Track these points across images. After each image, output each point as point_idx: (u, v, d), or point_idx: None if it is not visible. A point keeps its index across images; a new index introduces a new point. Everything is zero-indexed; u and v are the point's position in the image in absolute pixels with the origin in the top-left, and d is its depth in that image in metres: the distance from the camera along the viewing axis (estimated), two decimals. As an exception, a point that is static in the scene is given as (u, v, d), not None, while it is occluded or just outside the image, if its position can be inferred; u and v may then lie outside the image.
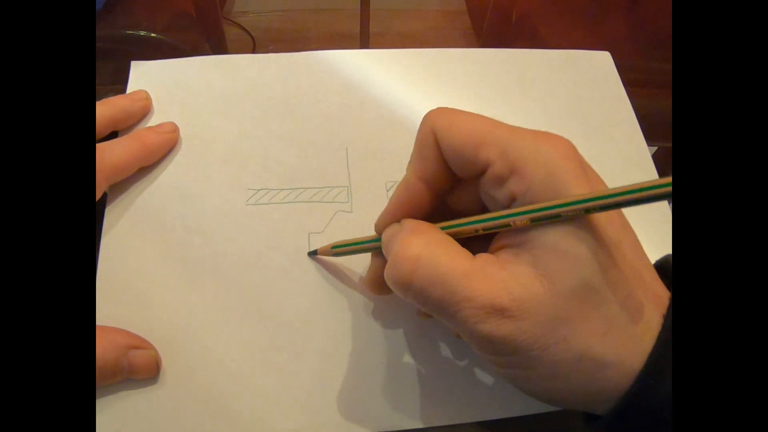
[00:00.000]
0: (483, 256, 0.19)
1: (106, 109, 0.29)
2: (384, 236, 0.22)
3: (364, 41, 0.55)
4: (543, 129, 0.20)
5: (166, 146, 0.30)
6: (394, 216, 0.22)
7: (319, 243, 0.28)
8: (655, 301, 0.19)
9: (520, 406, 0.25)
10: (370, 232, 0.29)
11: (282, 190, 0.30)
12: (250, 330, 0.26)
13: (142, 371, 0.24)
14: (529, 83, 0.35)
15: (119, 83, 0.33)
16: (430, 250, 0.19)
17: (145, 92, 0.32)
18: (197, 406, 0.24)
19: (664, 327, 0.19)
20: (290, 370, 0.25)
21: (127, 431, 0.23)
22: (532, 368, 0.19)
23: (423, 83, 0.34)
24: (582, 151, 0.24)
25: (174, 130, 0.30)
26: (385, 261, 0.21)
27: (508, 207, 0.20)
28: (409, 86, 0.34)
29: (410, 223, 0.21)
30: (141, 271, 0.27)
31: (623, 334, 0.18)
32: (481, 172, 0.20)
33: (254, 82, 0.33)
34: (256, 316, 0.26)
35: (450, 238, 0.20)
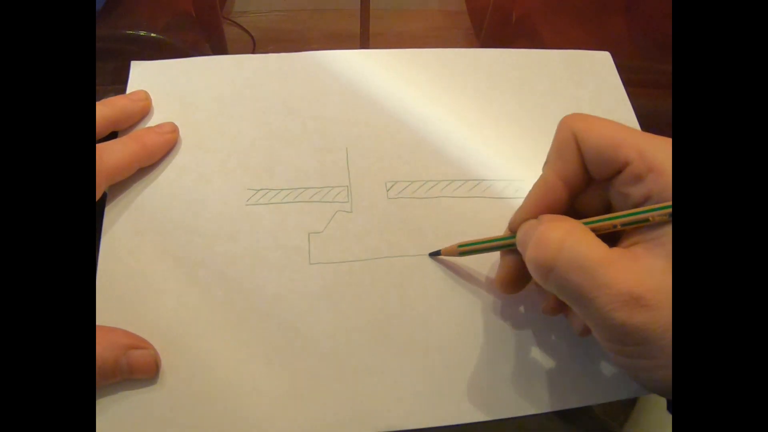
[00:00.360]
0: (617, 250, 0.20)
1: (105, 110, 0.29)
2: (521, 230, 0.23)
3: (364, 41, 0.56)
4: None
5: (166, 147, 0.30)
6: (531, 213, 0.23)
7: (319, 243, 0.28)
8: None
9: (527, 405, 0.25)
10: (371, 232, 0.29)
11: (282, 190, 0.30)
12: (250, 330, 0.26)
13: (142, 371, 0.24)
14: (529, 83, 0.35)
15: (119, 83, 0.33)
16: (573, 237, 0.20)
17: (145, 92, 0.32)
18: (197, 407, 0.24)
19: None
20: (290, 370, 0.25)
21: (127, 431, 0.23)
22: (657, 358, 0.19)
23: (423, 83, 0.34)
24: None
25: (174, 130, 0.30)
26: (516, 259, 0.23)
27: (642, 205, 0.21)
28: (409, 86, 0.34)
29: (550, 216, 0.23)
30: (140, 272, 0.27)
31: None
32: (618, 171, 0.22)
33: (254, 82, 0.33)
34: (256, 316, 0.26)
35: (588, 230, 0.21)
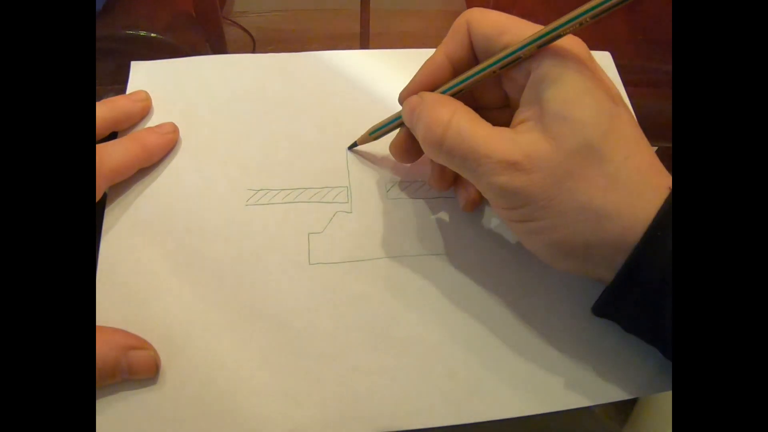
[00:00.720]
0: (501, 128, 0.23)
1: (105, 110, 0.29)
2: (406, 105, 0.26)
3: (364, 41, 0.55)
4: None
5: (166, 147, 0.30)
6: (418, 87, 0.26)
7: (319, 243, 0.28)
8: (654, 170, 0.22)
9: (527, 406, 0.25)
10: (371, 233, 0.29)
11: (282, 190, 0.30)
12: (250, 330, 0.26)
13: (142, 372, 0.24)
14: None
15: (119, 83, 0.33)
16: (457, 117, 0.23)
17: (145, 92, 0.32)
18: (196, 407, 0.24)
19: (666, 200, 0.21)
20: (289, 370, 0.25)
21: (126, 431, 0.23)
22: (541, 219, 0.22)
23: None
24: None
25: (174, 130, 0.30)
26: (408, 131, 0.26)
27: (524, 87, 0.24)
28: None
29: (432, 96, 0.25)
30: (140, 272, 0.27)
31: (622, 190, 0.21)
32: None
33: (254, 82, 0.33)
34: (256, 316, 0.26)
35: (470, 109, 0.24)
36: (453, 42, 0.25)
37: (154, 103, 0.32)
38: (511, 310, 0.27)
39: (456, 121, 0.23)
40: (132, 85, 0.32)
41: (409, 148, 0.27)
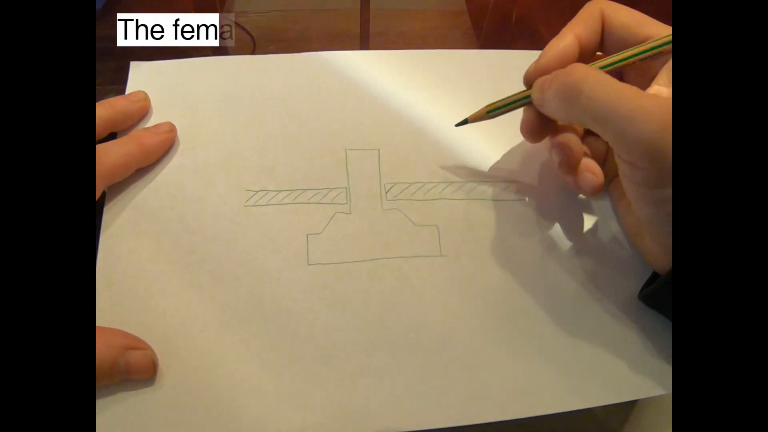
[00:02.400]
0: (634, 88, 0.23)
1: (104, 111, 0.29)
2: (537, 83, 0.26)
3: (364, 41, 0.55)
4: None
5: (164, 147, 0.30)
6: (546, 67, 0.26)
7: (318, 244, 0.28)
8: None
9: (527, 408, 0.25)
10: (370, 234, 0.29)
11: (281, 191, 0.30)
12: (248, 330, 0.26)
13: (140, 372, 0.24)
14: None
15: (119, 83, 0.33)
16: (593, 72, 0.23)
17: (144, 93, 0.32)
18: (194, 407, 0.24)
19: None
20: (288, 370, 0.25)
21: None
22: (662, 180, 0.21)
23: (423, 84, 0.34)
24: (582, 151, 0.24)
25: (171, 130, 0.30)
26: (536, 111, 0.26)
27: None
28: (409, 87, 0.34)
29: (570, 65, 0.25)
30: (139, 272, 0.27)
31: None
32: (642, 41, 0.25)
33: (253, 83, 0.33)
34: (254, 316, 0.26)
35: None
36: (584, 27, 0.26)
37: (153, 103, 0.32)
38: (508, 313, 0.27)
39: (595, 73, 0.23)
40: (131, 86, 0.32)
41: (538, 124, 0.27)
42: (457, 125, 0.30)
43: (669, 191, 0.21)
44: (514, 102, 0.28)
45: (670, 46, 0.24)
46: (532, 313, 0.27)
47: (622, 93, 0.22)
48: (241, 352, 0.25)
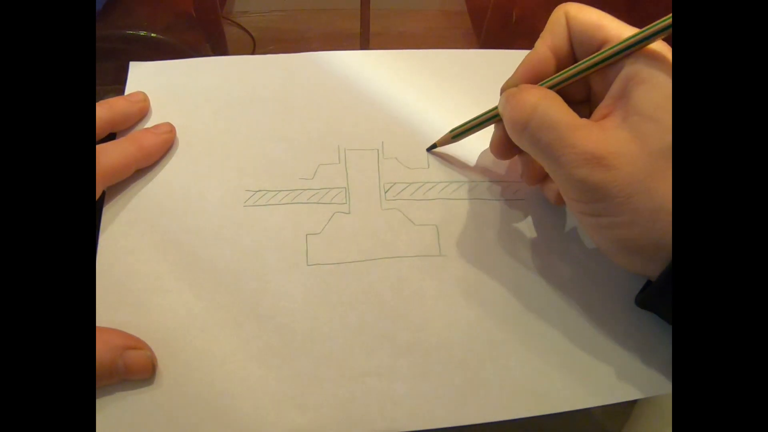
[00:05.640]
0: (587, 120, 0.23)
1: (103, 111, 0.29)
2: (502, 97, 0.26)
3: (364, 41, 0.55)
4: None
5: (163, 147, 0.30)
6: (520, 80, 0.26)
7: (317, 244, 0.28)
8: None
9: (526, 408, 0.25)
10: (369, 233, 0.29)
11: (280, 191, 0.30)
12: (247, 331, 0.26)
13: (138, 372, 0.24)
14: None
15: (119, 83, 0.33)
16: (546, 101, 0.23)
17: (143, 94, 0.32)
18: (193, 407, 0.24)
19: None
20: (287, 371, 0.25)
21: None
22: (615, 216, 0.22)
23: (423, 84, 0.34)
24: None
25: (170, 130, 0.30)
26: (503, 127, 0.26)
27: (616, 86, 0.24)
28: (409, 87, 0.34)
29: (526, 85, 0.25)
30: (138, 273, 0.27)
31: None
32: (598, 49, 0.24)
33: (252, 83, 0.33)
34: (253, 316, 0.26)
35: (561, 99, 0.24)
36: (553, 35, 0.26)
37: (152, 104, 0.32)
38: (510, 312, 0.27)
39: (544, 106, 0.23)
40: (130, 86, 0.32)
41: (506, 143, 0.27)
42: (428, 150, 0.31)
43: (608, 219, 0.22)
44: (478, 124, 0.28)
45: (623, 53, 0.23)
46: (532, 313, 0.27)
47: (561, 133, 0.22)
48: (240, 352, 0.25)
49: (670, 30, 0.22)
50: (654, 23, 0.22)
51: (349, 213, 0.29)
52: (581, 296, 0.27)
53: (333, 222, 0.29)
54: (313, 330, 0.26)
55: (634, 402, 0.39)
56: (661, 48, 0.23)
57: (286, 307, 0.27)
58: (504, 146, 0.27)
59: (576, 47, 0.25)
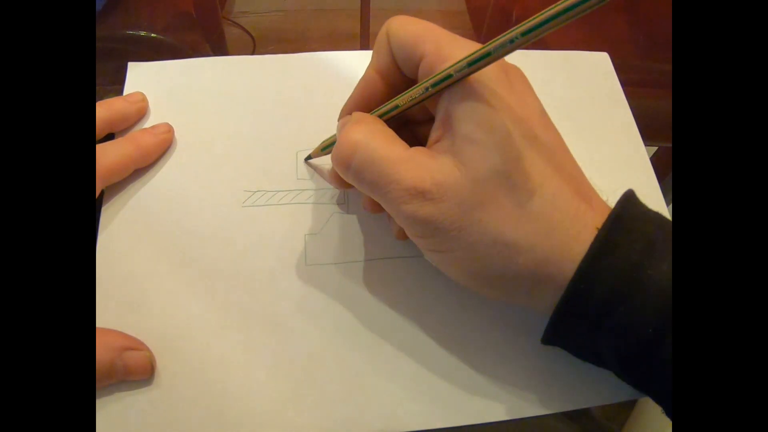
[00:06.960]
0: (417, 148, 0.22)
1: (102, 111, 0.29)
2: (338, 127, 0.25)
3: (364, 41, 0.55)
4: None
5: (161, 147, 0.30)
6: (353, 107, 0.25)
7: (315, 244, 0.28)
8: (579, 197, 0.21)
9: (526, 408, 0.25)
10: (368, 233, 0.29)
11: (278, 191, 0.30)
12: (246, 331, 0.26)
13: (137, 373, 0.24)
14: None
15: (119, 83, 0.33)
16: (368, 138, 0.22)
17: (142, 94, 0.32)
18: (192, 408, 0.24)
19: (597, 238, 0.20)
20: (286, 371, 0.25)
21: None
22: (453, 250, 0.21)
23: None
24: (578, 151, 0.24)
25: (168, 130, 0.30)
26: None
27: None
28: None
29: (357, 115, 0.24)
30: (136, 273, 0.27)
31: (536, 221, 0.20)
32: (419, 62, 0.22)
33: (251, 83, 0.33)
34: (252, 317, 0.26)
35: (389, 130, 0.22)
36: (378, 55, 0.24)
37: (150, 104, 0.32)
38: (508, 313, 0.27)
39: (367, 142, 0.21)
40: (129, 87, 0.32)
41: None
42: (306, 160, 0.30)
43: (448, 254, 0.21)
44: (330, 138, 0.28)
45: (456, 75, 0.20)
46: (532, 313, 0.27)
47: (385, 169, 0.21)
48: (239, 352, 0.25)
49: (510, 47, 0.20)
50: (492, 42, 0.20)
51: (347, 213, 0.29)
52: None
53: (331, 222, 0.29)
54: (312, 330, 0.26)
55: (634, 402, 0.38)
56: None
57: (284, 307, 0.27)
58: (339, 177, 0.25)
59: (400, 64, 0.23)
